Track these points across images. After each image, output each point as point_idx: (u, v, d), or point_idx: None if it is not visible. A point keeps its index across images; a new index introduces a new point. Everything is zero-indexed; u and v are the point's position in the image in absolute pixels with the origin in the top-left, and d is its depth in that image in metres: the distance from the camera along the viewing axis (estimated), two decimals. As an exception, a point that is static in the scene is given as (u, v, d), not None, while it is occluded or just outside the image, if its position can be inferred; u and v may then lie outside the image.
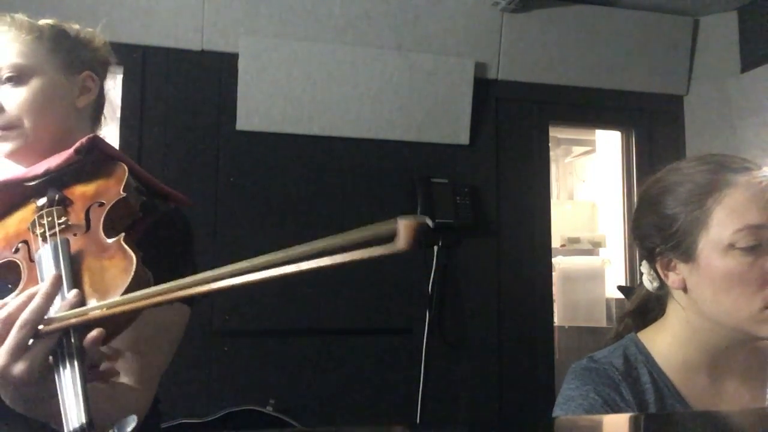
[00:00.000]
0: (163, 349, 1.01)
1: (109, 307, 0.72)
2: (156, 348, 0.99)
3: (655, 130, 3.24)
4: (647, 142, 3.23)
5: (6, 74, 1.03)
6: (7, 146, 1.03)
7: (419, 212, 2.73)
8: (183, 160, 2.57)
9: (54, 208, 0.92)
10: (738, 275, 0.93)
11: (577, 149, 5.05)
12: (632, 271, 3.14)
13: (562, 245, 4.29)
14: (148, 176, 1.03)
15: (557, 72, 3.02)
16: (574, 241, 4.32)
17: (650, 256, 1.04)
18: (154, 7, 2.54)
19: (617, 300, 3.78)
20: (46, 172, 0.97)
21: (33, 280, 0.84)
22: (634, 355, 1.03)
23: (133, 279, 0.77)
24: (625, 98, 3.15)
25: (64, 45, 1.09)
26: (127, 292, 0.76)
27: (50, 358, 0.73)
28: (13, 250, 0.90)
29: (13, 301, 0.75)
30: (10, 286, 0.90)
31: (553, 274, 3.17)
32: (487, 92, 2.95)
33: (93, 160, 0.99)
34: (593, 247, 4.34)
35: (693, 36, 3.16)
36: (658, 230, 1.02)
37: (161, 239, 0.87)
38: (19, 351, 0.72)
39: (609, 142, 3.95)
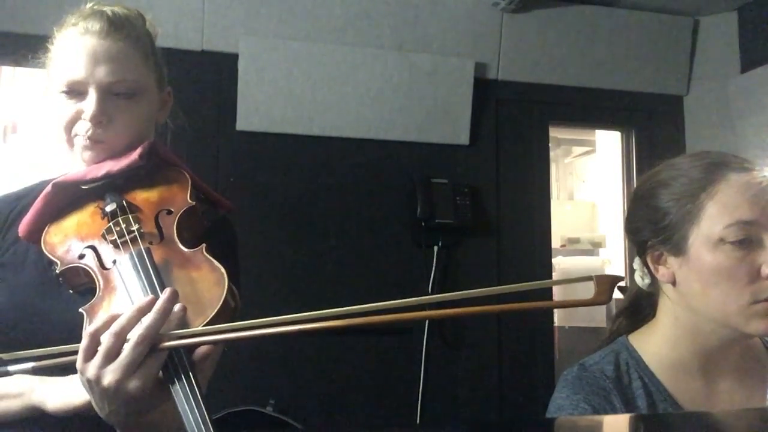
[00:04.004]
0: (214, 358, 1.01)
1: (221, 331, 0.74)
2: (211, 358, 1.01)
3: (655, 130, 3.23)
4: (647, 142, 3.22)
5: (122, 90, 0.99)
6: (96, 156, 0.99)
7: (419, 212, 2.73)
8: (183, 160, 2.56)
9: (129, 215, 0.90)
10: (727, 270, 0.93)
11: (577, 149, 5.05)
12: (632, 271, 3.12)
13: (562, 245, 4.29)
14: (201, 183, 1.02)
15: (557, 72, 3.02)
16: (574, 241, 4.32)
17: (641, 250, 1.05)
18: (154, 7, 2.53)
19: (617, 300, 3.76)
20: (106, 176, 0.95)
21: (111, 289, 0.83)
22: (626, 360, 1.02)
23: (227, 293, 0.79)
24: (625, 98, 3.15)
25: (158, 57, 1.08)
26: (222, 306, 0.77)
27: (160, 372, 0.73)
28: (78, 255, 0.89)
29: (123, 315, 0.74)
30: (71, 291, 0.91)
31: (553, 274, 3.17)
32: (487, 92, 2.95)
33: (151, 166, 0.98)
34: (593, 247, 4.34)
35: (693, 36, 3.16)
36: (650, 223, 1.02)
37: (214, 247, 0.86)
38: (134, 367, 0.71)
39: (609, 142, 3.95)
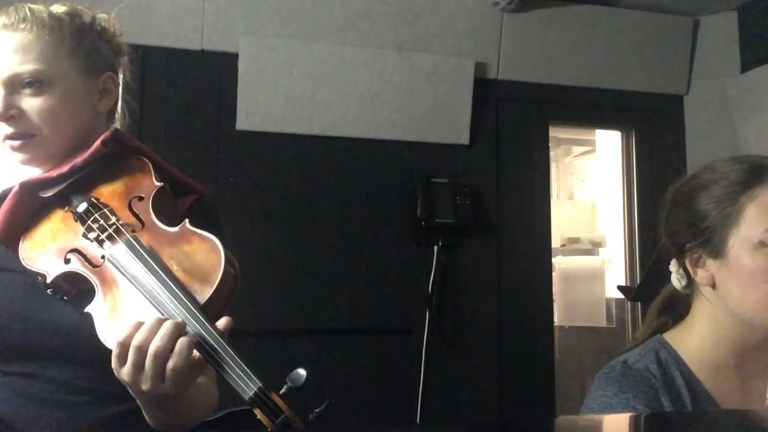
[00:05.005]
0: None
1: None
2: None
3: (655, 130, 3.23)
4: (647, 142, 3.22)
5: (26, 80, 0.96)
6: (26, 156, 0.98)
7: (419, 212, 2.73)
8: (183, 160, 2.57)
9: (104, 210, 0.91)
10: (766, 272, 0.93)
11: (577, 149, 5.04)
12: (632, 271, 3.13)
13: (562, 245, 4.29)
14: (169, 167, 1.02)
15: (557, 72, 3.02)
16: (574, 241, 4.32)
17: (679, 253, 1.04)
18: (154, 7, 2.53)
19: (617, 300, 3.78)
20: (73, 168, 0.95)
21: (110, 283, 0.85)
22: (666, 359, 1.02)
23: (225, 256, 0.82)
24: (625, 98, 3.15)
25: (85, 43, 1.03)
26: (224, 269, 0.81)
27: (195, 353, 0.78)
28: (63, 261, 0.89)
29: (143, 327, 0.77)
30: (65, 298, 0.91)
31: (553, 274, 3.17)
32: (487, 92, 2.95)
33: (108, 160, 0.98)
34: (593, 247, 4.34)
35: (693, 36, 3.16)
36: (689, 226, 1.02)
37: (197, 227, 0.88)
38: (161, 375, 0.76)
39: (609, 142, 3.95)
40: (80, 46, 1.02)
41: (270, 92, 2.65)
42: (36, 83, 0.96)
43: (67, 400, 0.94)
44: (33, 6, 1.00)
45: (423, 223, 2.75)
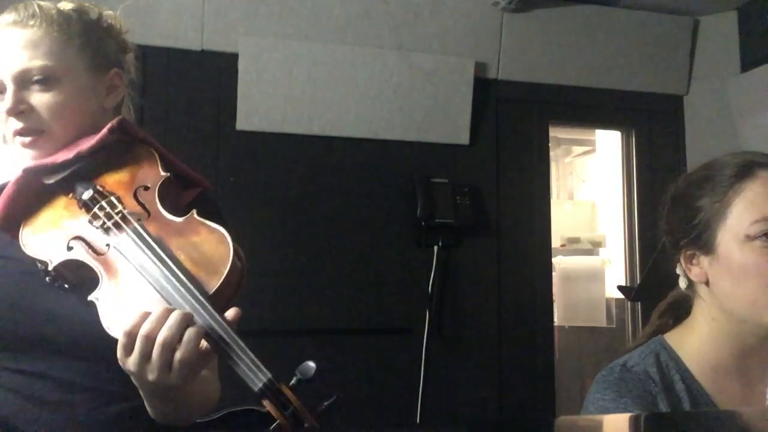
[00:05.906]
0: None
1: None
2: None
3: (655, 130, 3.23)
4: (647, 142, 3.22)
5: (35, 77, 0.96)
6: (36, 152, 0.98)
7: (419, 212, 2.73)
8: (183, 160, 2.56)
9: (111, 197, 0.90)
10: (755, 267, 0.92)
11: (577, 149, 5.04)
12: (632, 271, 3.13)
13: (562, 245, 4.28)
14: (174, 159, 1.01)
15: (557, 72, 3.02)
16: (574, 241, 4.32)
17: (675, 250, 1.03)
18: (154, 7, 2.53)
19: (617, 300, 3.77)
20: (78, 156, 0.94)
21: (115, 272, 0.84)
22: (666, 361, 1.01)
23: (233, 248, 0.82)
24: (625, 98, 3.15)
25: (92, 40, 1.03)
26: (233, 261, 0.81)
27: (204, 344, 0.77)
28: (66, 248, 0.88)
29: (151, 316, 0.76)
30: (66, 285, 0.91)
31: (553, 274, 3.17)
32: (487, 92, 2.95)
33: (115, 148, 0.97)
34: (593, 247, 4.33)
35: (693, 36, 3.16)
36: (681, 223, 1.01)
37: (203, 217, 0.88)
38: (168, 365, 0.76)
39: (609, 142, 3.95)
40: (88, 42, 1.03)
41: (270, 92, 2.65)
42: (45, 79, 0.96)
43: (68, 400, 0.93)
44: (41, 3, 1.01)
45: (423, 223, 2.75)
